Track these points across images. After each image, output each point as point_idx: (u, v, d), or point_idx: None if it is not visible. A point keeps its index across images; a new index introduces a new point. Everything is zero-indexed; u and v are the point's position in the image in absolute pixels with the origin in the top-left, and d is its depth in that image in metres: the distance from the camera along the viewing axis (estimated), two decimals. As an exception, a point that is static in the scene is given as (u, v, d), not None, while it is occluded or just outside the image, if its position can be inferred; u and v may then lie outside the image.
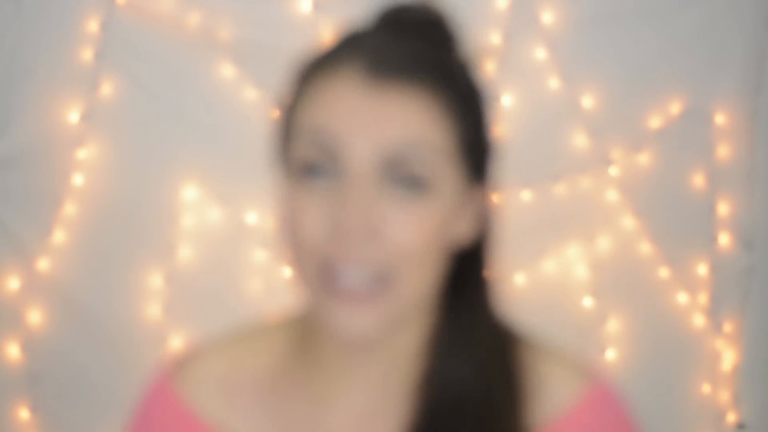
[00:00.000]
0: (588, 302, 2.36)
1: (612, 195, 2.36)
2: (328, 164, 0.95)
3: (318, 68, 0.99)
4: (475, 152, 1.00)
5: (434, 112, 0.96)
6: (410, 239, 0.95)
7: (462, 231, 1.02)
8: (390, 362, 1.04)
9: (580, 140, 2.33)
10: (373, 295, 0.95)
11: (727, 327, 2.40)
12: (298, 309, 1.11)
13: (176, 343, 2.26)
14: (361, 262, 0.94)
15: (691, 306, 2.39)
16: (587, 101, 2.33)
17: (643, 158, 2.36)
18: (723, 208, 2.39)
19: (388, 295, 0.95)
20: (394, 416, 1.04)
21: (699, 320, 2.39)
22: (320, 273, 0.96)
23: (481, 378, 1.02)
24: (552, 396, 1.03)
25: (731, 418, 2.42)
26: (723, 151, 2.39)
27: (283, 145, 1.00)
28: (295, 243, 0.96)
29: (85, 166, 2.24)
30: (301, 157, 0.96)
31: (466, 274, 1.04)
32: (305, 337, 1.07)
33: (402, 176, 0.95)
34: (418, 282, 0.97)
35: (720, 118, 2.38)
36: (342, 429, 1.05)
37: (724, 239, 2.40)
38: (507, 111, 2.22)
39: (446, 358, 1.02)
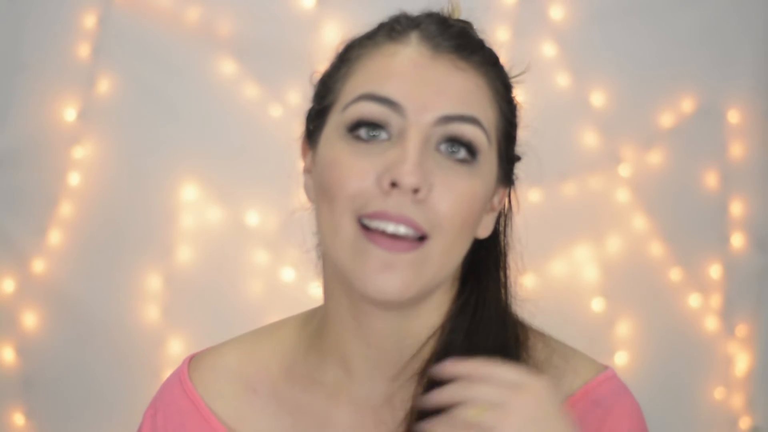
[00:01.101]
0: (597, 304, 2.34)
1: (622, 194, 2.34)
2: (383, 127, 0.99)
3: (375, 39, 1.04)
4: (510, 150, 1.07)
5: (487, 93, 1.03)
6: (452, 208, 0.98)
7: (482, 225, 1.06)
8: (404, 349, 1.06)
9: (589, 138, 2.31)
10: (408, 248, 0.97)
11: (741, 330, 2.38)
12: (312, 308, 1.13)
13: (175, 346, 2.24)
14: (405, 221, 0.97)
15: (703, 308, 2.36)
16: (597, 99, 2.31)
17: (655, 157, 2.34)
18: (736, 208, 2.37)
19: (420, 255, 0.98)
20: (401, 406, 1.05)
21: (711, 323, 2.37)
22: (358, 226, 0.98)
23: None
24: (561, 386, 1.05)
25: (745, 423, 2.39)
26: (736, 150, 2.37)
27: (321, 116, 1.04)
28: (338, 194, 0.99)
29: (81, 165, 2.23)
30: (358, 116, 1.00)
31: (479, 267, 1.08)
32: (318, 333, 1.10)
33: (453, 145, 1.00)
34: (452, 252, 1.01)
35: (733, 116, 2.36)
36: (350, 422, 1.08)
37: (737, 240, 2.37)
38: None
39: (455, 346, 1.04)
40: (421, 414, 1.02)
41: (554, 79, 2.29)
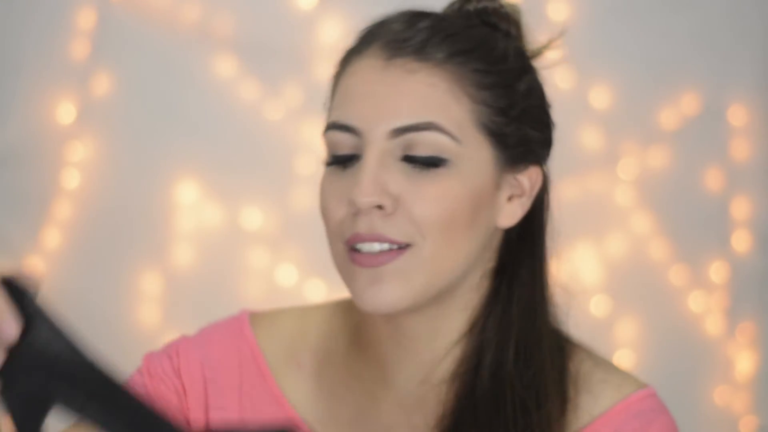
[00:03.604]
0: (599, 304, 2.33)
1: (624, 194, 2.34)
2: (350, 149, 1.00)
3: (346, 59, 1.04)
4: (510, 132, 1.03)
5: (448, 88, 0.99)
6: (428, 213, 0.98)
7: (504, 213, 1.04)
8: (435, 350, 1.06)
9: (590, 138, 2.31)
10: (389, 258, 0.98)
11: (744, 330, 2.37)
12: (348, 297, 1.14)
13: (173, 347, 2.24)
14: (377, 238, 0.98)
15: (705, 308, 2.36)
16: (598, 98, 2.31)
17: (656, 156, 2.34)
18: (739, 208, 2.37)
19: (404, 262, 0.98)
20: (434, 410, 1.06)
21: (714, 323, 2.37)
22: (346, 251, 1.00)
23: (524, 368, 1.04)
24: (596, 397, 1.05)
25: (746, 423, 2.39)
26: (739, 150, 2.36)
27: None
28: (326, 227, 1.02)
29: (77, 164, 2.23)
30: (328, 146, 1.02)
31: (516, 261, 1.06)
32: (358, 327, 1.11)
33: (414, 154, 0.98)
34: (444, 256, 0.99)
35: (736, 115, 2.35)
36: (384, 423, 1.07)
37: (740, 240, 2.37)
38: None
39: (489, 345, 1.04)
40: (453, 419, 1.03)
41: (555, 78, 2.29)
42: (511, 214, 1.05)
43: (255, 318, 1.16)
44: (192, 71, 2.24)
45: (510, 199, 1.05)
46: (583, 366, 1.07)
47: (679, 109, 2.33)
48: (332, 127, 1.01)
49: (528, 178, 1.06)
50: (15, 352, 0.75)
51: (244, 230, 2.26)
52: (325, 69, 2.23)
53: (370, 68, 1.01)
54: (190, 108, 2.24)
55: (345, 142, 1.00)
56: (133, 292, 2.25)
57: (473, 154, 1.00)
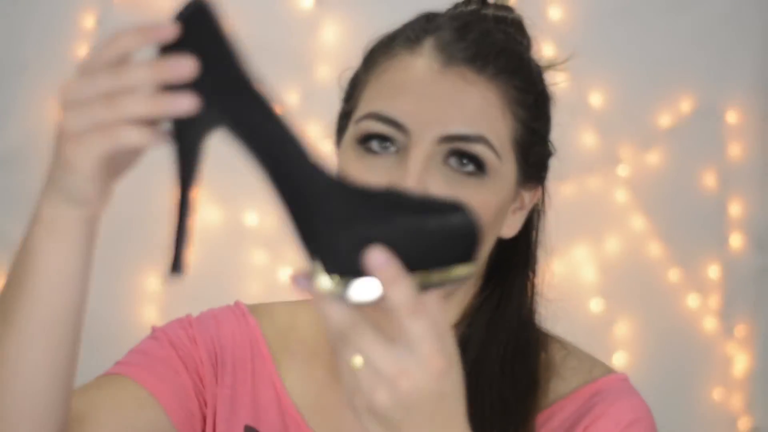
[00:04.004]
0: (596, 304, 2.34)
1: (621, 195, 2.35)
2: (391, 141, 0.99)
3: (392, 48, 1.04)
4: (533, 152, 1.06)
5: (498, 105, 1.01)
6: None
7: (508, 225, 1.06)
8: None
9: (588, 139, 2.32)
10: None
11: (739, 330, 2.39)
12: None
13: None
14: None
15: (702, 308, 2.37)
16: (595, 99, 2.32)
17: (653, 157, 2.35)
18: (735, 208, 2.38)
19: None
20: None
21: (710, 323, 2.38)
22: None
23: (509, 369, 1.05)
24: (566, 381, 1.07)
25: (743, 423, 2.40)
26: (735, 150, 2.37)
27: (346, 118, 1.05)
28: None
29: (78, 165, 2.23)
30: (366, 131, 1.00)
31: (506, 264, 1.09)
32: None
33: (460, 162, 0.99)
34: None
35: (732, 116, 2.37)
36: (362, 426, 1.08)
37: (736, 240, 2.38)
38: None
39: (473, 339, 1.05)
40: None
41: (552, 79, 2.30)
42: (512, 226, 1.07)
43: (252, 308, 1.18)
44: (192, 72, 2.25)
45: (513, 212, 1.07)
46: (557, 355, 1.09)
47: (676, 110, 2.34)
48: (375, 117, 1.00)
49: (531, 195, 1.09)
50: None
51: (245, 230, 2.27)
52: (325, 70, 2.25)
53: (427, 69, 1.01)
54: (190, 108, 2.25)
55: (385, 134, 1.00)
56: (133, 292, 2.25)
57: (506, 169, 1.02)
